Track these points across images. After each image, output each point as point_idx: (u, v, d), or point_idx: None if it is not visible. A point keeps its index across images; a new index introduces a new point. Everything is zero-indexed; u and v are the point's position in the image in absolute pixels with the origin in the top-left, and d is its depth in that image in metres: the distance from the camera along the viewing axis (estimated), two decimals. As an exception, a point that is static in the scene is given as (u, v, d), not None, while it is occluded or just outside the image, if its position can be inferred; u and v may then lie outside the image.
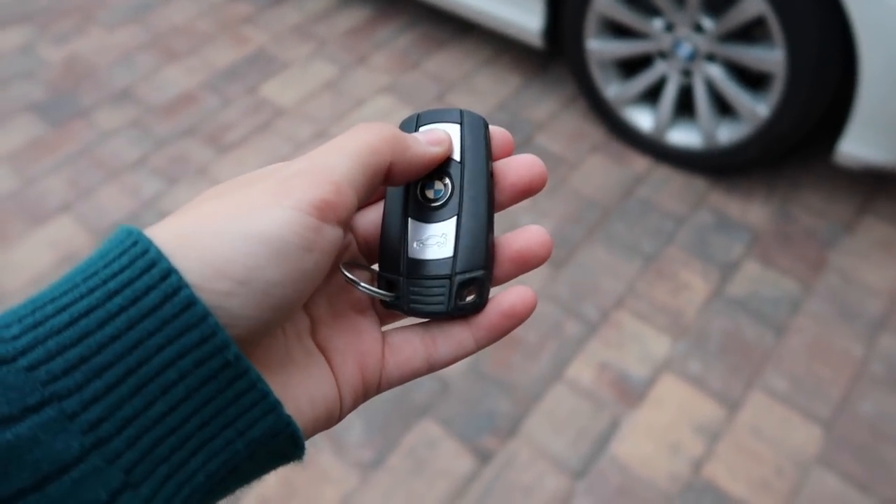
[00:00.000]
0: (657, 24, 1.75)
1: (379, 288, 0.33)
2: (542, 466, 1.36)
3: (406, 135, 0.32)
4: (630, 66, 1.93)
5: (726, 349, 1.52)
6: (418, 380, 1.49)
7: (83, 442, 0.22)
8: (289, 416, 0.26)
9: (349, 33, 2.41)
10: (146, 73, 2.30)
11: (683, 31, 1.72)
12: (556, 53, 2.24)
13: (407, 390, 1.48)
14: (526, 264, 0.33)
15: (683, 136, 1.87)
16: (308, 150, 0.32)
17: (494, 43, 2.32)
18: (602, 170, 1.91)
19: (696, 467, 1.35)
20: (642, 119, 1.91)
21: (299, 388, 0.30)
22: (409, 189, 0.34)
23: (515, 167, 0.34)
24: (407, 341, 0.33)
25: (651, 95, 1.92)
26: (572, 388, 1.47)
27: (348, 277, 0.32)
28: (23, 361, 0.22)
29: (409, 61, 2.29)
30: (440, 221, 0.33)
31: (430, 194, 0.34)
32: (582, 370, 1.50)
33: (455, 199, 0.33)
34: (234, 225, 0.25)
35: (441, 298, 0.32)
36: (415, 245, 0.33)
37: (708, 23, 1.67)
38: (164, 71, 2.31)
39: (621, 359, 1.51)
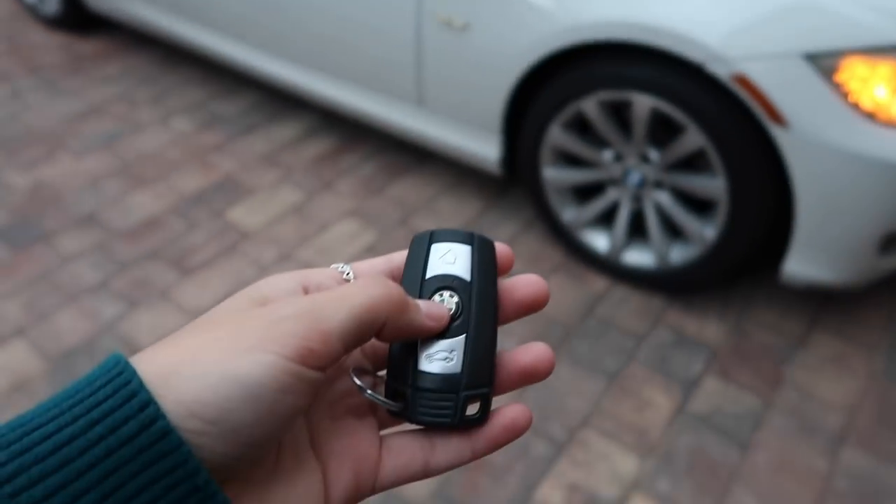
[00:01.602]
0: (607, 154, 1.87)
1: (385, 395, 0.35)
2: None
3: (408, 300, 0.33)
4: (585, 192, 2.04)
5: (693, 467, 1.52)
6: (384, 507, 1.44)
7: None
8: None
9: (315, 161, 2.51)
10: (113, 198, 2.33)
11: (632, 161, 1.84)
12: (514, 180, 2.36)
13: (372, 519, 1.42)
14: (531, 379, 0.36)
15: (638, 257, 1.95)
16: (272, 273, 0.34)
17: (455, 170, 2.44)
18: (563, 290, 1.97)
19: None
20: (599, 241, 2.00)
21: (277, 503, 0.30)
22: None
23: (521, 286, 0.36)
24: (406, 446, 0.35)
25: (606, 218, 2.02)
26: (542, 511, 1.44)
27: (359, 385, 0.33)
28: (7, 488, 0.24)
29: (374, 187, 2.37)
30: (450, 338, 0.35)
31: None
32: (551, 492, 1.47)
33: (464, 318, 0.35)
34: (215, 366, 0.27)
35: (447, 412, 0.34)
36: (424, 358, 0.34)
37: (654, 154, 1.80)
38: (130, 196, 2.34)
39: (590, 479, 1.49)
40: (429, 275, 0.36)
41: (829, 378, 1.72)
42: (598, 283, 1.99)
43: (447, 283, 0.36)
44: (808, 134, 1.50)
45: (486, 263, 0.36)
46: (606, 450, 1.55)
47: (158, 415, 0.25)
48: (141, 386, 0.26)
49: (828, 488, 1.48)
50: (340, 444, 0.34)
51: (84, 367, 1.74)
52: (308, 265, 2.04)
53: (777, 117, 1.51)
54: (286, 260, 2.07)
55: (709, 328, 1.85)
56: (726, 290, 1.96)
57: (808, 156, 1.52)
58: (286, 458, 0.32)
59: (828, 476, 1.50)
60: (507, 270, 0.37)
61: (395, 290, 0.32)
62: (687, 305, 1.91)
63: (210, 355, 0.27)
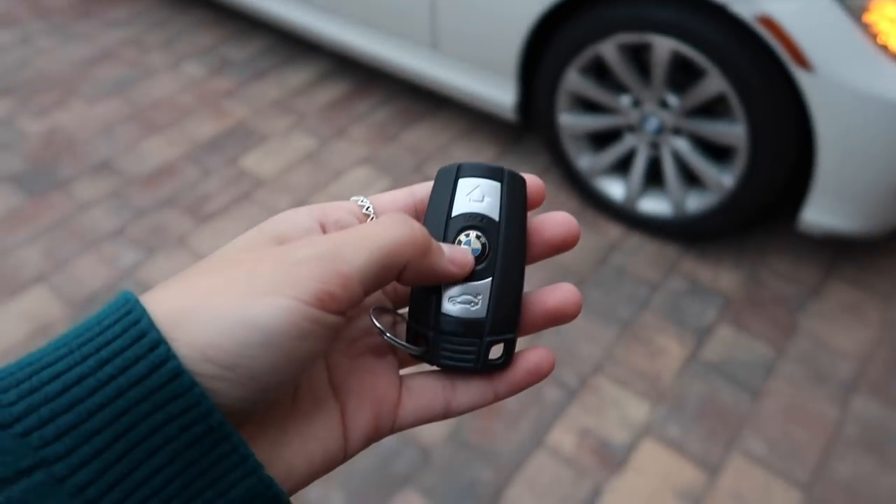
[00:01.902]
0: (625, 100, 1.83)
1: (407, 338, 0.34)
2: (525, 537, 1.34)
3: (431, 243, 0.31)
4: (601, 139, 2.01)
5: (704, 413, 1.54)
6: (398, 449, 1.48)
7: None
8: (269, 478, 0.27)
9: (328, 107, 2.48)
10: (126, 145, 2.33)
11: (650, 106, 1.80)
12: (529, 127, 2.32)
13: (387, 460, 1.46)
14: (557, 321, 0.35)
15: (654, 205, 1.93)
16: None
17: (470, 116, 2.40)
18: (576, 238, 1.96)
19: (679, 535, 1.34)
20: (614, 189, 1.98)
21: (296, 444, 0.30)
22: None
23: (551, 225, 0.35)
24: (427, 387, 0.34)
25: (622, 166, 1.99)
26: (554, 455, 1.47)
27: (379, 328, 0.33)
28: (18, 428, 0.23)
29: (387, 134, 2.35)
30: (475, 281, 0.33)
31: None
32: (563, 437, 1.50)
33: (490, 260, 0.33)
34: (231, 310, 0.26)
35: (471, 357, 0.33)
36: (447, 301, 0.33)
37: (673, 99, 1.76)
38: (144, 143, 2.34)
39: (601, 424, 1.52)
40: (455, 213, 0.34)
41: (842, 327, 1.71)
42: (613, 230, 1.98)
43: (474, 222, 0.34)
44: (833, 78, 1.45)
45: (516, 202, 0.34)
46: (618, 396, 1.57)
47: (169, 355, 0.24)
48: (151, 325, 0.25)
49: (837, 435, 1.50)
50: (359, 383, 0.33)
51: (104, 313, 1.78)
52: (322, 212, 2.04)
53: (802, 60, 1.47)
54: (300, 206, 2.07)
55: (723, 276, 1.84)
56: (741, 238, 1.95)
57: (832, 101, 1.48)
58: (304, 398, 0.31)
59: (838, 423, 1.52)
60: (537, 205, 0.36)
61: (419, 231, 0.30)
62: (701, 254, 1.90)
63: (225, 298, 0.26)
